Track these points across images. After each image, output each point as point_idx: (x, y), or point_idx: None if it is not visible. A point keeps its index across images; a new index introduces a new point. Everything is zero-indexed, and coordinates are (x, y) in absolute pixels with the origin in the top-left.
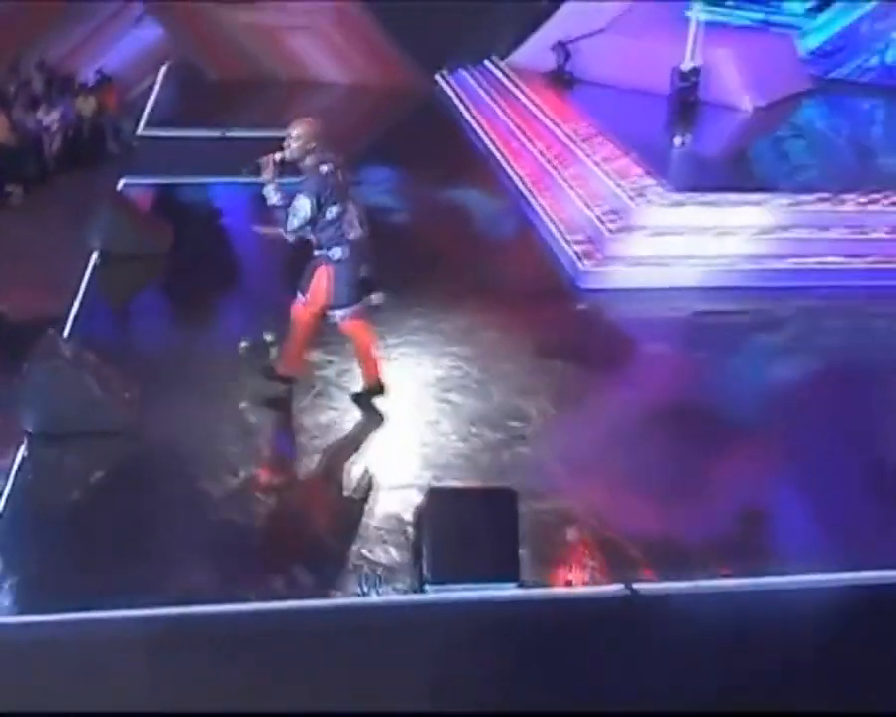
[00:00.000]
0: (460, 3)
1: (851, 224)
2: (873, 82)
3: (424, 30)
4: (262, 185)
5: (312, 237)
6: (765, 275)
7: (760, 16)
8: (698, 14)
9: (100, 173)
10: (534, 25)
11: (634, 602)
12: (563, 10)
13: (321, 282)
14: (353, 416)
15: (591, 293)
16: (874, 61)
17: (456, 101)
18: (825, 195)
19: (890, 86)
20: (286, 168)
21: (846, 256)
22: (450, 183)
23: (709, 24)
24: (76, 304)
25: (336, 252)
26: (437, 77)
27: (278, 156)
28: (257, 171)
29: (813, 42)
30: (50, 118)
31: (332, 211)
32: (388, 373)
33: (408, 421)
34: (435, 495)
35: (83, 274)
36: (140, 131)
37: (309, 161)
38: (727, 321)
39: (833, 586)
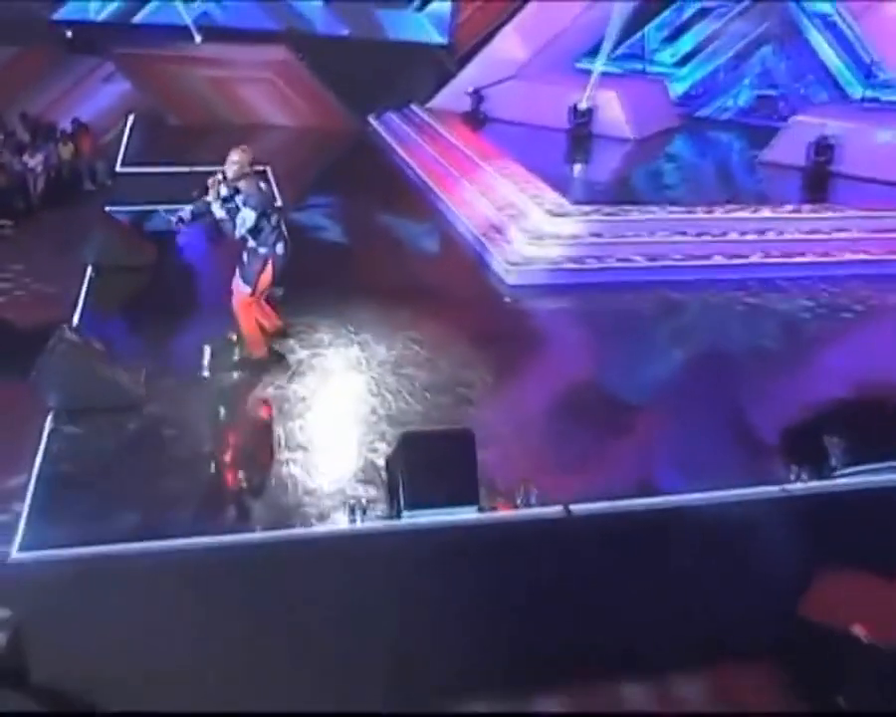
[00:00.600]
0: (386, 58)
1: (711, 230)
2: (729, 120)
3: (356, 80)
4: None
5: (252, 239)
6: (653, 272)
7: (639, 66)
8: (597, 65)
9: (78, 207)
10: (449, 75)
11: (569, 521)
12: (475, 62)
13: (267, 271)
14: (327, 389)
15: (513, 289)
16: (730, 103)
17: (386, 138)
18: (692, 207)
19: (743, 123)
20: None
21: (711, 255)
22: (384, 206)
23: (604, 71)
24: (78, 309)
25: (279, 247)
26: (369, 119)
27: (220, 176)
28: (204, 192)
29: (681, 88)
30: (34, 161)
31: (273, 218)
32: (351, 354)
33: (373, 390)
34: (407, 438)
35: (80, 286)
36: (118, 168)
37: (245, 181)
38: (625, 311)
39: (705, 503)
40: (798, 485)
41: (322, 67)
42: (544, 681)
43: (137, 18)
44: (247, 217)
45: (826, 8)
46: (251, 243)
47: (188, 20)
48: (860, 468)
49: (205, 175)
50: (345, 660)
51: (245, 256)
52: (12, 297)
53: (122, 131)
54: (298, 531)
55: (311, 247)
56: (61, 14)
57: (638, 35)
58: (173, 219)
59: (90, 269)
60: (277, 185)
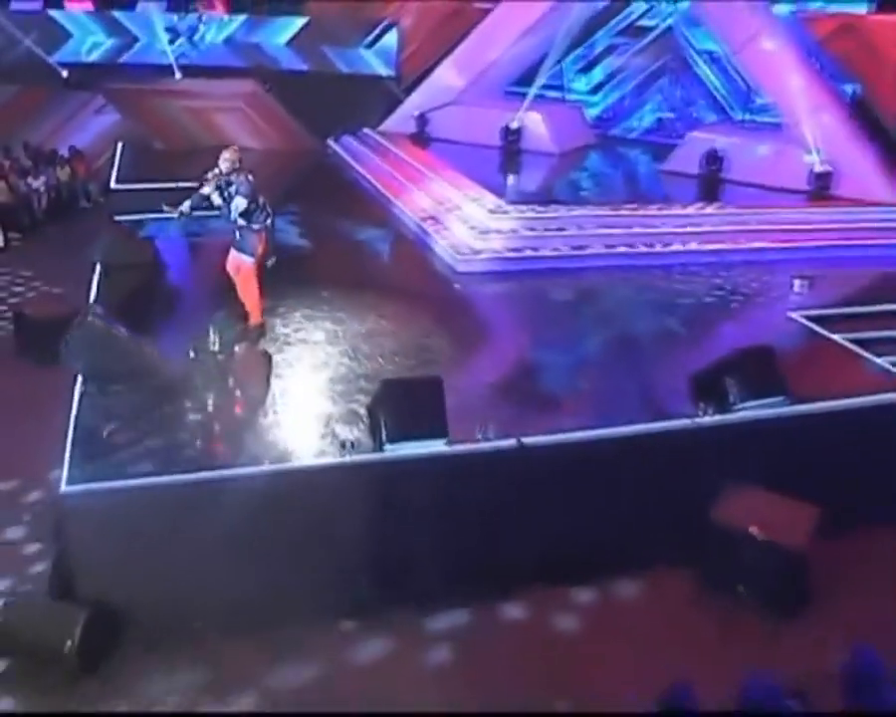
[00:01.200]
0: (342, 89)
1: (624, 225)
2: (635, 138)
3: (316, 108)
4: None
5: (244, 221)
6: (577, 260)
7: (559, 94)
8: (533, 90)
9: (76, 222)
10: (397, 102)
11: (521, 450)
12: (419, 90)
13: (262, 241)
14: (311, 356)
15: (461, 275)
16: (635, 124)
17: (343, 157)
18: (608, 206)
19: (646, 141)
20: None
21: (625, 245)
22: (345, 213)
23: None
24: (91, 299)
25: (268, 221)
26: (328, 142)
27: (217, 170)
28: (201, 186)
29: (595, 111)
30: (37, 183)
31: (259, 201)
32: (328, 328)
33: (350, 355)
34: (387, 384)
35: (85, 285)
36: (113, 186)
37: (236, 174)
38: (555, 292)
39: (632, 435)
40: (706, 419)
41: (286, 97)
42: (504, 586)
43: (124, 58)
44: (239, 203)
45: (712, 46)
46: (243, 223)
47: (172, 58)
48: (752, 403)
49: (187, 190)
50: (342, 565)
51: (238, 236)
52: (25, 298)
53: (114, 156)
54: (299, 464)
55: (281, 248)
56: (58, 56)
57: (557, 67)
58: (175, 212)
59: (98, 266)
60: None
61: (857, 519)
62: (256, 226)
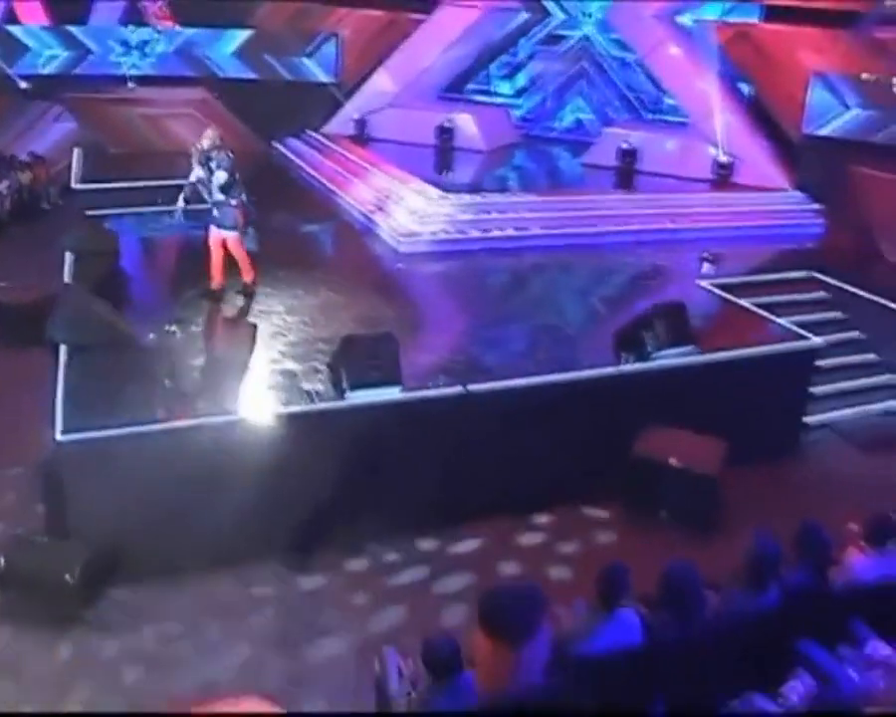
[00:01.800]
0: (286, 94)
1: (550, 209)
2: (556, 138)
3: (262, 113)
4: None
5: (224, 195)
6: (509, 240)
7: (486, 97)
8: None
9: (38, 222)
10: (338, 105)
11: (468, 397)
12: (359, 94)
13: (241, 216)
14: (273, 324)
15: (403, 256)
16: (556, 125)
17: (289, 157)
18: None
19: (567, 139)
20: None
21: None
22: (293, 206)
23: (457, 98)
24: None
25: (244, 199)
26: (273, 143)
27: (199, 146)
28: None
29: (519, 112)
30: (1, 186)
31: (237, 176)
32: (287, 302)
33: (308, 323)
34: (346, 339)
35: (55, 275)
36: (74, 186)
37: (217, 150)
38: (488, 268)
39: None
40: (628, 366)
41: (233, 103)
42: (457, 517)
43: (79, 69)
44: (220, 177)
45: (624, 52)
46: (222, 198)
47: (125, 69)
48: (666, 352)
49: (142, 190)
50: (311, 500)
51: (217, 213)
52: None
53: (72, 160)
54: (273, 411)
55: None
56: (16, 68)
57: (484, 72)
58: (176, 208)
59: (69, 255)
60: None
61: (757, 453)
62: (234, 201)
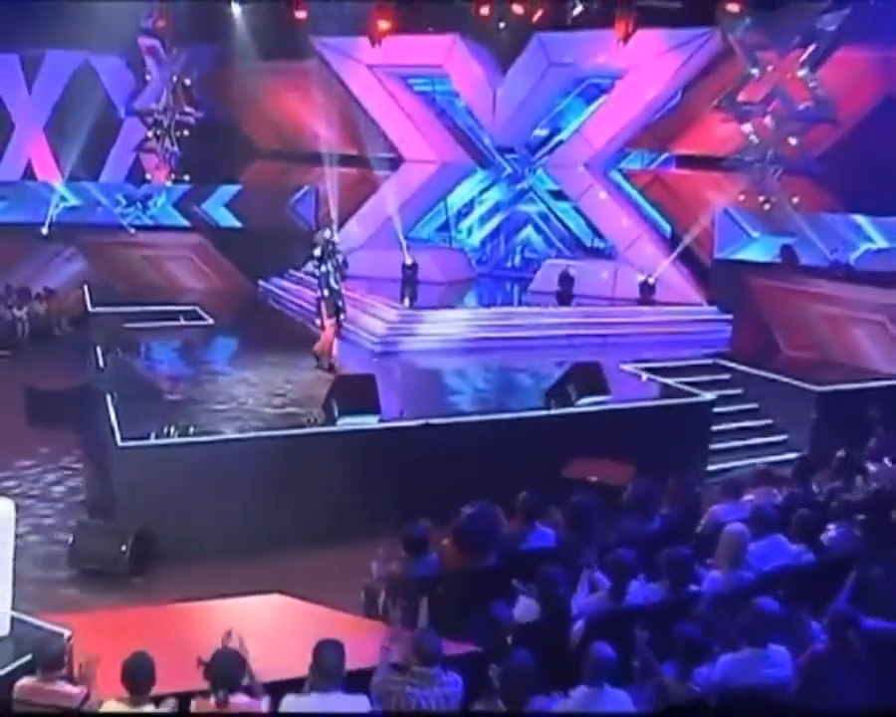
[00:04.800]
0: (270, 239)
1: (497, 321)
2: (508, 275)
3: (248, 256)
4: None
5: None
6: (466, 341)
7: (447, 243)
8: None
9: (51, 345)
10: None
11: (427, 427)
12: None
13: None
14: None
15: (377, 355)
16: (509, 264)
17: (273, 292)
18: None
19: (516, 276)
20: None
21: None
22: (276, 331)
23: (423, 241)
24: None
25: None
26: (259, 282)
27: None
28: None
29: (475, 254)
30: (21, 313)
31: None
32: (284, 375)
33: (297, 382)
34: (340, 377)
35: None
36: (91, 309)
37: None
38: (441, 361)
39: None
40: (553, 411)
41: (225, 248)
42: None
43: (90, 218)
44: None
45: (563, 200)
46: (337, 287)
47: (125, 222)
48: (585, 400)
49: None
50: (306, 501)
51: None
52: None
53: (83, 294)
54: (280, 433)
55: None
56: (36, 216)
57: (444, 218)
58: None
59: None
60: None
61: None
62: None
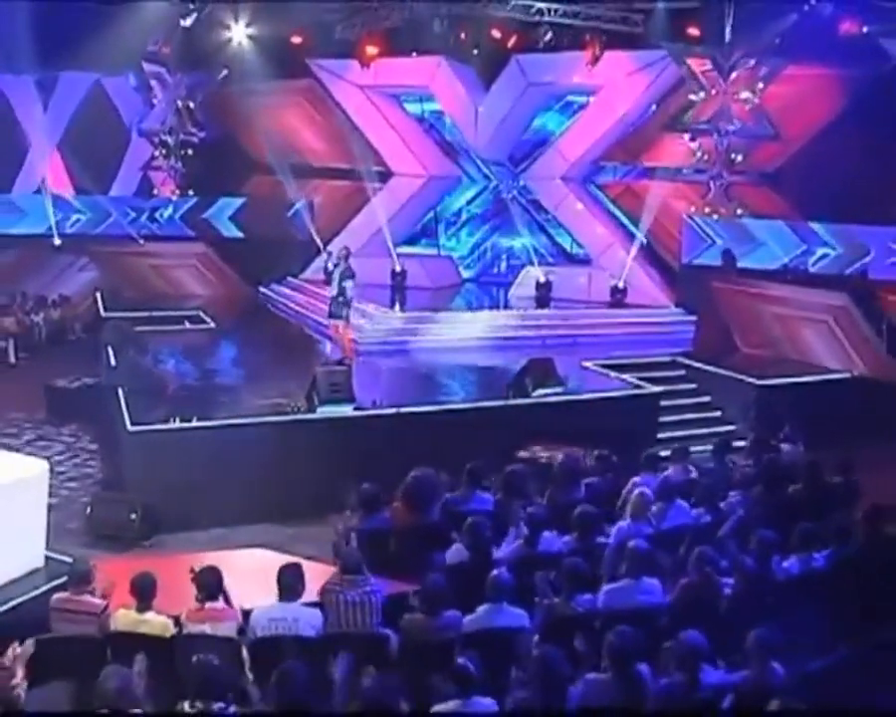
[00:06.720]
0: (270, 248)
1: (484, 324)
2: (493, 281)
3: (250, 263)
4: None
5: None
6: (448, 343)
7: (435, 251)
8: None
9: (65, 348)
10: (313, 257)
11: (399, 414)
12: (330, 247)
13: None
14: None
15: (363, 354)
16: (495, 270)
17: (272, 298)
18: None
19: (501, 282)
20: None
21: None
22: (276, 336)
23: (412, 249)
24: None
25: None
26: (259, 288)
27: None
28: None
29: (462, 261)
30: (38, 318)
31: None
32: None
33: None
34: (319, 371)
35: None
36: (103, 314)
37: (343, 261)
38: (423, 364)
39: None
40: (511, 401)
41: (228, 256)
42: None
43: (101, 229)
44: (349, 285)
45: (541, 211)
46: (347, 298)
47: (135, 233)
48: (540, 391)
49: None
50: (290, 478)
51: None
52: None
53: (95, 301)
54: (267, 419)
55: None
56: (49, 228)
57: (432, 228)
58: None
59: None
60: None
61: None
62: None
